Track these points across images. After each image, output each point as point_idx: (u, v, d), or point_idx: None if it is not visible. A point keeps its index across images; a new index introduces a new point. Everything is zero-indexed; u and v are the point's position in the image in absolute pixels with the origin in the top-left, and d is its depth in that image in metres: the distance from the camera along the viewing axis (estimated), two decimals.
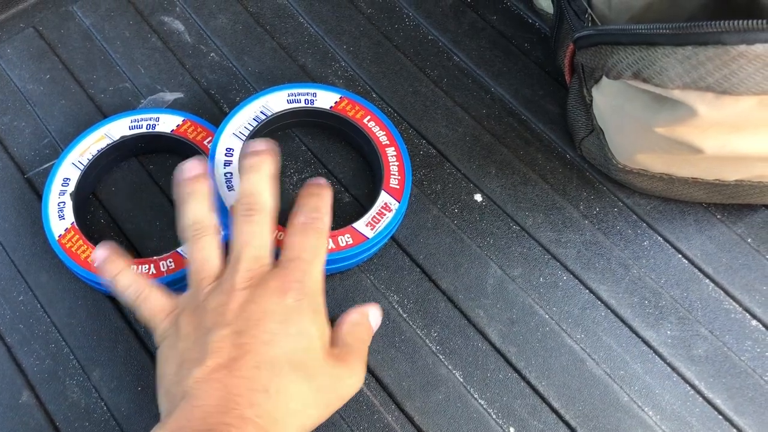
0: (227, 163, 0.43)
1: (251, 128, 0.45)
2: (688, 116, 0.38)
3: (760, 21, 0.33)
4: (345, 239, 0.42)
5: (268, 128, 0.47)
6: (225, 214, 0.41)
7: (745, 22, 0.33)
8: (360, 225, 0.43)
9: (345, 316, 0.39)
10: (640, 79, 0.38)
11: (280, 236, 0.41)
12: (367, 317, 0.39)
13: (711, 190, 0.44)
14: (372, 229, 0.43)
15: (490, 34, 0.53)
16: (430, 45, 0.53)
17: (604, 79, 0.42)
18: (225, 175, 0.43)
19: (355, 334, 0.38)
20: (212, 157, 0.44)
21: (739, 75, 0.35)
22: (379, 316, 0.40)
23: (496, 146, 0.48)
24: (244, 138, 0.44)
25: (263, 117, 0.45)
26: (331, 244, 0.42)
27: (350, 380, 0.36)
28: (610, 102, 0.42)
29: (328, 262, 0.42)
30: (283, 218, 0.40)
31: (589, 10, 0.41)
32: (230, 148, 0.44)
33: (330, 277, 0.44)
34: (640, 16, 0.43)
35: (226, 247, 0.38)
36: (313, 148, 0.48)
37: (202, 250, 0.37)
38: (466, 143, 0.49)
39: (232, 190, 0.42)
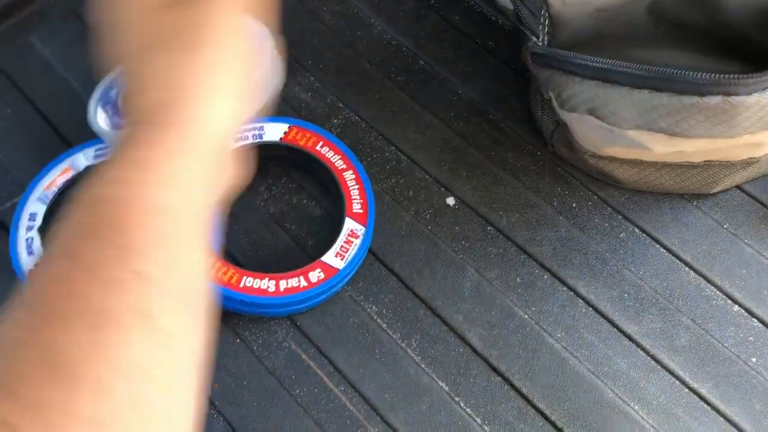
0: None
1: None
2: (642, 149, 0.40)
3: (712, 75, 0.35)
4: (317, 275, 0.41)
5: None
6: None
7: (701, 75, 0.35)
8: (329, 257, 0.42)
9: None
10: (595, 116, 0.40)
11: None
12: None
13: (681, 174, 0.43)
14: (342, 260, 0.42)
15: (453, 35, 0.53)
16: (394, 50, 0.52)
17: None
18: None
19: None
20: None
21: (690, 122, 0.37)
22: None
23: (465, 148, 0.48)
24: None
25: None
26: (303, 282, 0.41)
27: None
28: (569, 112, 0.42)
29: (304, 300, 0.41)
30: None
31: (545, 8, 0.41)
32: None
33: None
34: (596, 16, 0.43)
35: None
36: (278, 164, 0.48)
37: None
38: (435, 147, 0.48)
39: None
